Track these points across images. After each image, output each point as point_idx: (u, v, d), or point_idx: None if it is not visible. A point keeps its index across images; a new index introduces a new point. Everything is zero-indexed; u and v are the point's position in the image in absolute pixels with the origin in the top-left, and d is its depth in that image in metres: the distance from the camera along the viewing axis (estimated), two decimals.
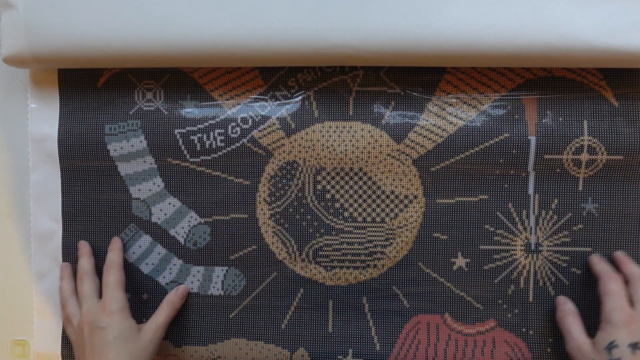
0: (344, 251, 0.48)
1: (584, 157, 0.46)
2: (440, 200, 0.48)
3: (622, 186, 0.46)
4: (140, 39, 0.43)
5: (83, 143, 0.48)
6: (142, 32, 0.42)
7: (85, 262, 0.48)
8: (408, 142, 0.47)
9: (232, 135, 0.48)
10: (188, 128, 0.48)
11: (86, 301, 0.46)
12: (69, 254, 0.50)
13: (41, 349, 0.51)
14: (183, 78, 0.48)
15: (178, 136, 0.48)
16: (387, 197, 0.48)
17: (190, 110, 0.48)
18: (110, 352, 0.42)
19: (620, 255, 0.45)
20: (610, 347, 0.39)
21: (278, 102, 0.48)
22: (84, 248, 0.49)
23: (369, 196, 0.48)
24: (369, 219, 0.48)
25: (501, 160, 0.46)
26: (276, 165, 0.48)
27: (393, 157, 0.47)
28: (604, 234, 0.47)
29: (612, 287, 0.42)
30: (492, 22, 0.40)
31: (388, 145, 0.47)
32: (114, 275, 0.46)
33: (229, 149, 0.48)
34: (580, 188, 0.47)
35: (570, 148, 0.46)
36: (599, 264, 0.45)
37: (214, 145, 0.48)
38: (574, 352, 0.42)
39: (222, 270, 0.49)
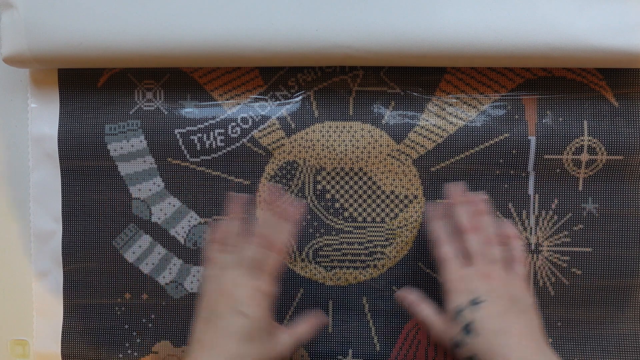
0: (344, 251, 0.48)
1: (584, 157, 0.46)
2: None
3: (622, 186, 0.46)
4: (140, 39, 0.43)
5: (83, 143, 0.48)
6: (142, 32, 0.42)
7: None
8: (408, 142, 0.47)
9: (232, 135, 0.48)
10: (188, 128, 0.48)
11: (254, 269, 0.40)
12: (69, 254, 0.50)
13: (41, 349, 0.51)
14: (183, 78, 0.48)
15: (178, 136, 0.48)
16: (387, 197, 0.48)
17: (190, 110, 0.48)
18: (232, 345, 0.37)
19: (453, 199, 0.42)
20: (457, 314, 0.38)
21: (278, 102, 0.48)
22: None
23: (369, 196, 0.48)
24: (369, 219, 0.48)
25: (501, 160, 0.46)
26: (276, 165, 0.48)
27: (393, 157, 0.47)
28: (604, 234, 0.47)
29: (441, 252, 0.40)
30: (492, 22, 0.40)
31: (388, 145, 0.47)
32: (275, 259, 0.40)
33: (229, 149, 0.48)
34: (580, 188, 0.47)
35: (570, 148, 0.46)
36: (433, 228, 0.42)
37: (214, 145, 0.48)
38: (440, 337, 0.40)
39: None
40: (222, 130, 0.48)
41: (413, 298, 0.43)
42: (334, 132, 0.47)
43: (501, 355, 0.35)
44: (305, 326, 0.42)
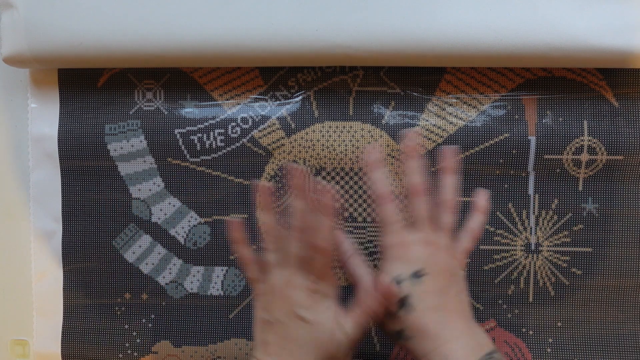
0: None
1: (584, 157, 0.46)
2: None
3: (622, 186, 0.46)
4: (140, 39, 0.43)
5: (83, 143, 0.48)
6: (142, 32, 0.42)
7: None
8: None
9: (232, 135, 0.48)
10: (188, 128, 0.48)
11: (293, 265, 0.36)
12: (69, 254, 0.50)
13: (41, 349, 0.51)
14: (183, 78, 0.48)
15: (178, 136, 0.48)
16: None
17: (190, 110, 0.48)
18: (299, 351, 0.35)
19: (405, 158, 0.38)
20: (396, 282, 0.35)
21: (278, 102, 0.48)
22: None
23: (369, 196, 0.48)
24: (369, 219, 0.48)
25: (501, 160, 0.46)
26: (276, 165, 0.48)
27: (393, 157, 0.47)
28: (604, 234, 0.47)
29: (384, 211, 0.36)
30: (492, 22, 0.40)
31: (388, 145, 0.47)
32: (321, 260, 0.36)
33: (229, 149, 0.48)
34: (580, 188, 0.47)
35: (570, 148, 0.46)
36: (373, 182, 0.37)
37: (214, 145, 0.48)
38: (366, 301, 0.36)
39: (222, 270, 0.49)
40: (222, 130, 0.48)
41: (348, 248, 0.39)
42: (334, 132, 0.47)
43: (433, 331, 0.34)
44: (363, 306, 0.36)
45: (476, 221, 0.40)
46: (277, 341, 0.35)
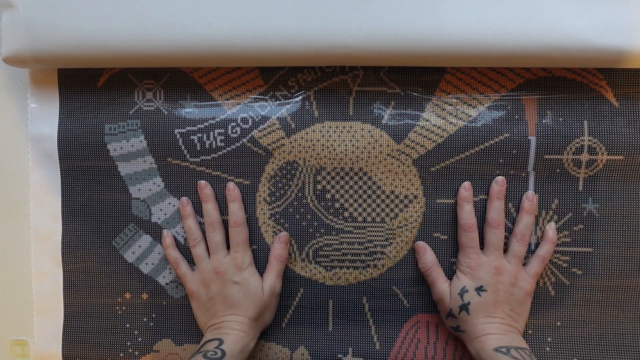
0: (344, 251, 0.48)
1: (584, 157, 0.46)
2: (440, 200, 0.48)
3: (622, 186, 0.46)
4: (140, 39, 0.42)
5: (83, 143, 0.48)
6: (142, 32, 0.42)
7: (215, 209, 0.48)
8: (408, 142, 0.47)
9: (232, 135, 0.48)
10: (188, 128, 0.48)
11: (219, 251, 0.47)
12: (69, 254, 0.50)
13: (41, 349, 0.51)
14: (183, 78, 0.48)
15: (178, 136, 0.48)
16: (387, 197, 0.48)
17: (190, 110, 0.48)
18: (241, 307, 0.46)
19: (492, 192, 0.46)
20: (462, 292, 0.45)
21: (278, 102, 0.48)
22: (206, 189, 0.48)
23: (369, 196, 0.48)
24: (369, 219, 0.48)
25: (501, 160, 0.46)
26: (276, 165, 0.48)
27: (393, 157, 0.47)
28: (605, 234, 0.47)
29: (462, 240, 0.46)
30: (492, 22, 0.40)
31: (388, 145, 0.47)
32: (243, 233, 0.48)
33: (229, 149, 0.48)
34: (581, 188, 0.47)
35: (570, 148, 0.46)
36: (460, 212, 0.46)
37: (214, 145, 0.48)
38: (439, 301, 0.46)
39: None
40: (222, 130, 0.48)
41: (433, 259, 0.47)
42: (334, 132, 0.47)
43: (478, 327, 0.44)
44: (272, 265, 0.48)
45: (545, 250, 0.46)
46: (221, 306, 0.46)
